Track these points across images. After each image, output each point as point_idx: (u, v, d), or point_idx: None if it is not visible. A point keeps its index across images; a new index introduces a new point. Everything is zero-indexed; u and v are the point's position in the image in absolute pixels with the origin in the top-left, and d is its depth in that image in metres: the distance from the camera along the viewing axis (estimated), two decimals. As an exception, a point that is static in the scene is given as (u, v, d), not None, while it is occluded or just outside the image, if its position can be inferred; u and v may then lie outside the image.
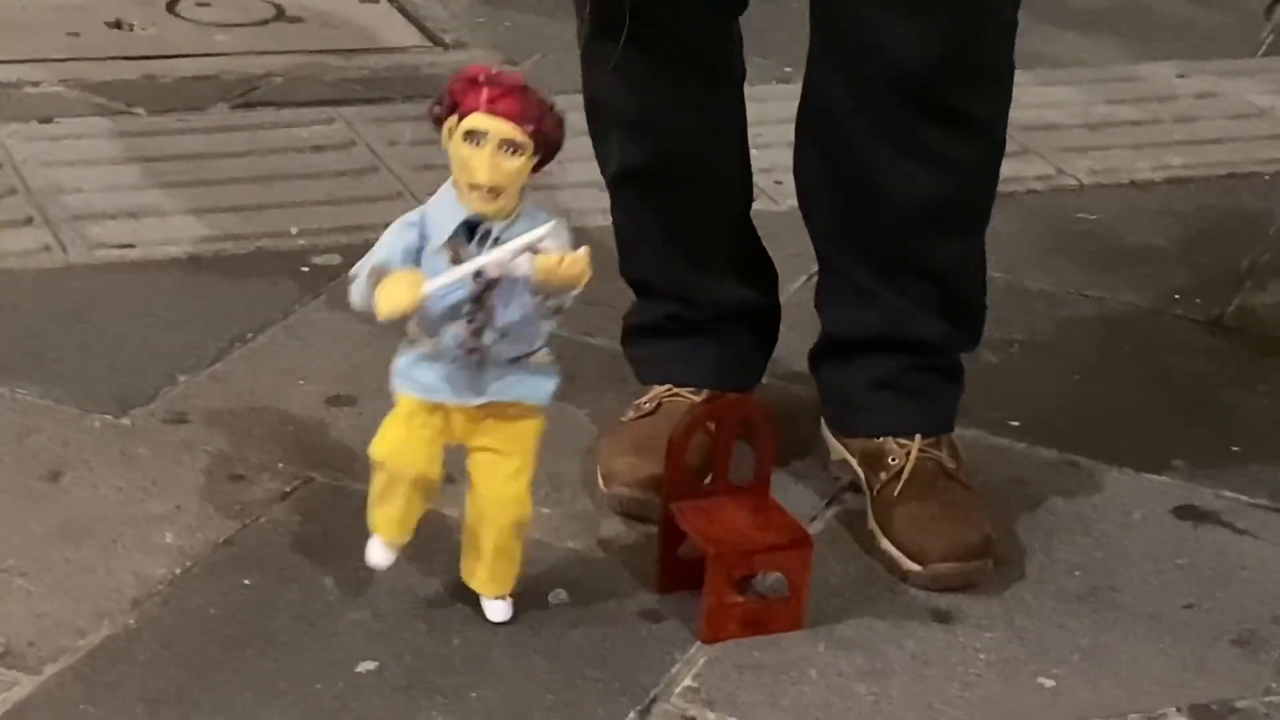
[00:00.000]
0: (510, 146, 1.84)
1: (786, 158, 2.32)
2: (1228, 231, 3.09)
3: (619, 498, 2.24)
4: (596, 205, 2.60)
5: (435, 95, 1.89)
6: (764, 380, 2.42)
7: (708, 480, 2.13)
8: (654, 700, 1.96)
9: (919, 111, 2.11)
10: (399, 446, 1.97)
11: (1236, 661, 2.08)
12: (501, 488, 1.99)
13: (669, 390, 2.32)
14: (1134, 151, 3.34)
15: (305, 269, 2.76)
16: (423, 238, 1.90)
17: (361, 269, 1.90)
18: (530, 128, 1.84)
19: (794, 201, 2.33)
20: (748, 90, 2.35)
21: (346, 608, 2.05)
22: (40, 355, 2.49)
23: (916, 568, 2.14)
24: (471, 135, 1.84)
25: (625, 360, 2.42)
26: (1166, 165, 3.30)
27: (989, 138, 2.19)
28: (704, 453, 2.14)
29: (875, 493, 2.22)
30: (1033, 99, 3.47)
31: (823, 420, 2.34)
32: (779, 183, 2.82)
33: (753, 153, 2.39)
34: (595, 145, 2.31)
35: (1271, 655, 2.09)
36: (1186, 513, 2.33)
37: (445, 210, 1.89)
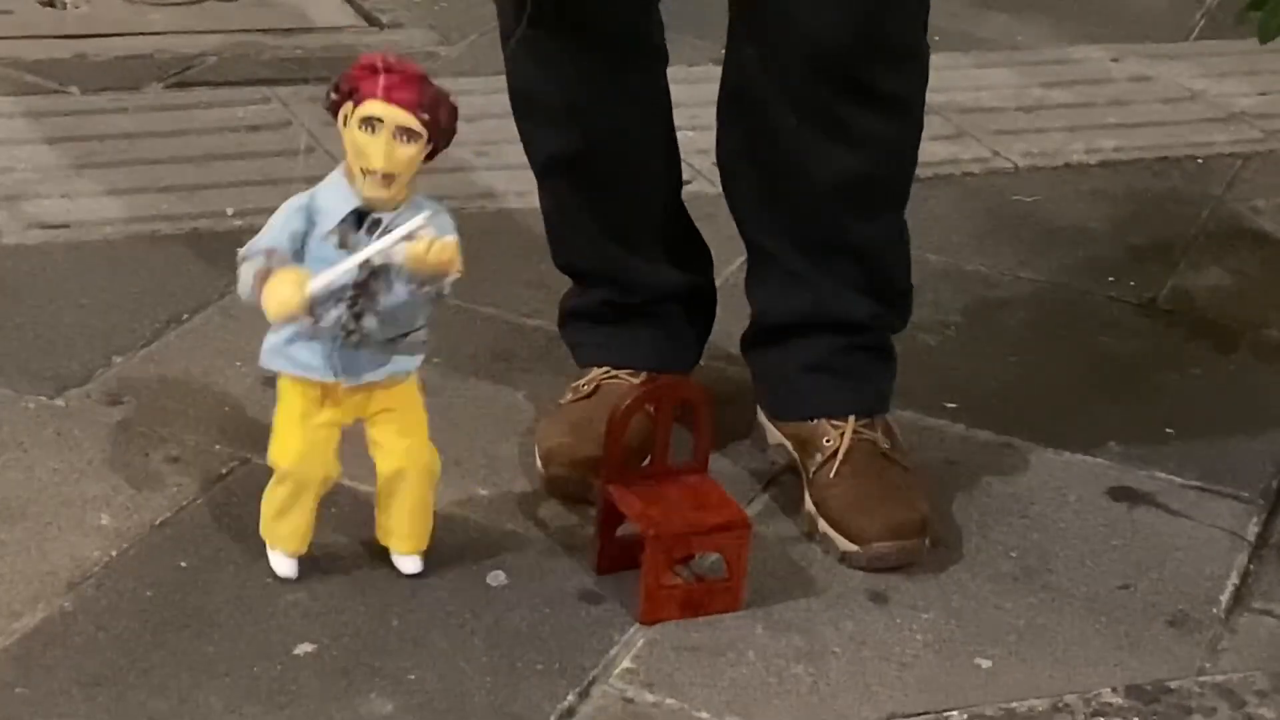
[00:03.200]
0: (405, 134, 1.86)
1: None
2: (1161, 214, 3.11)
3: (557, 479, 2.24)
4: (522, 188, 2.61)
5: (332, 82, 1.89)
6: (701, 362, 2.43)
7: (646, 462, 2.13)
8: (593, 682, 1.97)
9: (836, 90, 2.12)
10: (303, 451, 1.99)
11: (1171, 642, 2.09)
12: (410, 440, 2.02)
13: (607, 372, 2.32)
14: (1068, 134, 3.36)
15: (241, 250, 2.73)
16: (310, 222, 1.91)
17: (249, 251, 1.91)
18: (426, 116, 1.87)
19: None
20: (684, 72, 2.35)
21: (284, 589, 2.04)
22: (-27, 336, 2.48)
23: (854, 548, 2.15)
24: (368, 122, 1.86)
25: (562, 343, 2.42)
26: (1100, 148, 3.32)
27: (907, 116, 2.20)
28: (642, 435, 2.14)
29: (811, 475, 2.22)
30: (967, 81, 3.50)
31: (758, 405, 2.35)
32: (715, 164, 2.82)
33: (689, 134, 2.39)
34: (521, 134, 2.31)
35: (1205, 635, 2.11)
36: (1121, 494, 2.34)
37: (336, 196, 1.91)
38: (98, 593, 2.02)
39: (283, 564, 2.05)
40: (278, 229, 1.92)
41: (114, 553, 2.09)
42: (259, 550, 2.09)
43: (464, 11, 3.63)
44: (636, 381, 2.28)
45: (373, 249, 1.87)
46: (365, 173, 1.87)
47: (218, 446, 2.28)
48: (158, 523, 2.14)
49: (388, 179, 1.87)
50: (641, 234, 2.32)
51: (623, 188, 2.28)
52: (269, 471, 2.20)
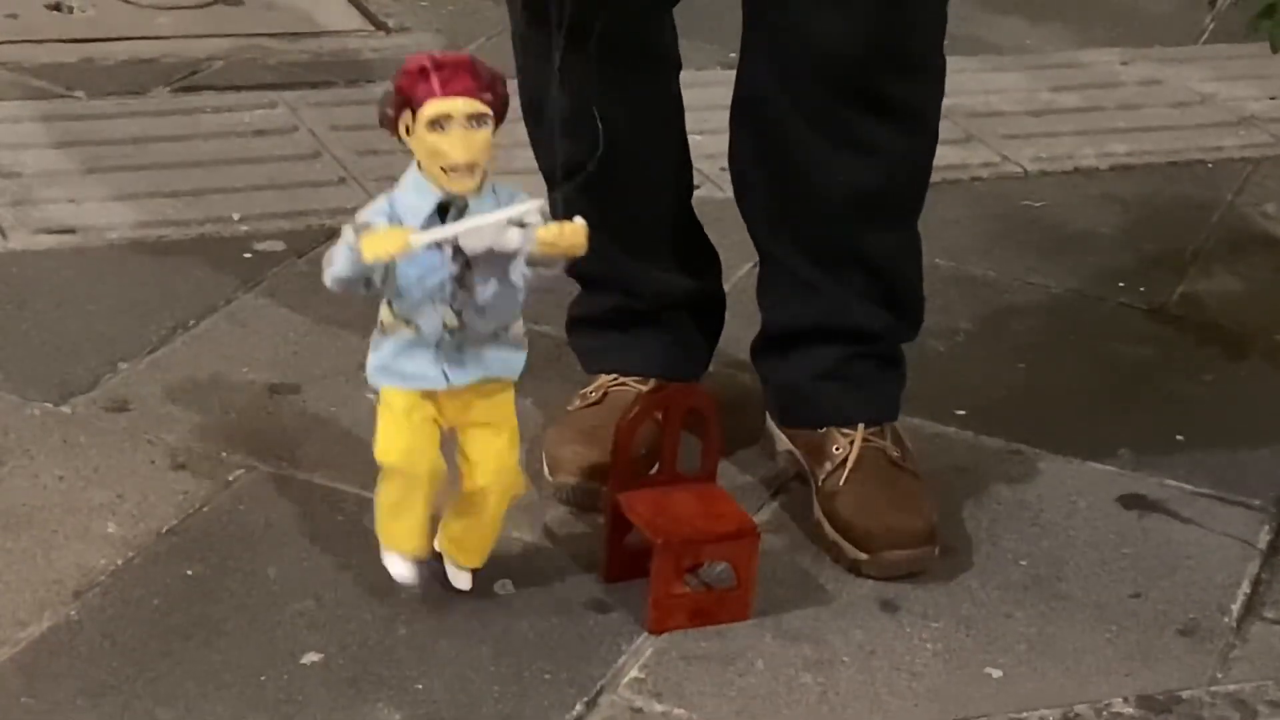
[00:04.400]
0: (476, 120, 1.85)
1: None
2: (1171, 218, 3.10)
3: (565, 487, 2.23)
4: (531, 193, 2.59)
5: (381, 100, 1.87)
6: (710, 369, 2.42)
7: (654, 470, 2.12)
8: (601, 691, 1.96)
9: (849, 101, 2.11)
10: (408, 445, 1.96)
11: (1182, 651, 2.08)
12: (501, 460, 1.99)
13: (615, 380, 2.31)
14: (1078, 138, 3.35)
15: (248, 255, 2.73)
16: (389, 225, 1.88)
17: (347, 237, 1.87)
18: (488, 96, 1.86)
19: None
20: (693, 76, 2.34)
21: (291, 598, 2.03)
22: (-21, 342, 2.47)
23: (863, 556, 2.14)
24: (436, 122, 1.84)
25: (570, 350, 2.41)
26: (1110, 152, 3.31)
27: (921, 128, 2.19)
28: (650, 442, 2.13)
29: (820, 483, 2.21)
30: (977, 85, 3.48)
31: (767, 413, 2.34)
32: (724, 169, 2.80)
33: (698, 139, 2.38)
34: (533, 142, 2.29)
35: (1217, 645, 2.10)
36: (1132, 501, 2.33)
37: (416, 196, 1.88)
38: (104, 601, 2.02)
39: (398, 567, 2.01)
40: (343, 240, 1.89)
41: (120, 561, 2.08)
42: (266, 558, 2.08)
43: (471, 15, 3.62)
44: (645, 389, 2.27)
45: (473, 222, 1.85)
46: (448, 171, 1.85)
47: (224, 454, 2.27)
48: (164, 530, 2.13)
49: (471, 168, 1.85)
50: (651, 241, 2.31)
51: (634, 195, 2.27)
52: (276, 479, 2.21)
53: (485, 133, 1.86)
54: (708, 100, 2.43)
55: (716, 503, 2.09)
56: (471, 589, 2.05)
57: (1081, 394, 2.57)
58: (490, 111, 1.85)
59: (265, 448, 2.28)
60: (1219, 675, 2.05)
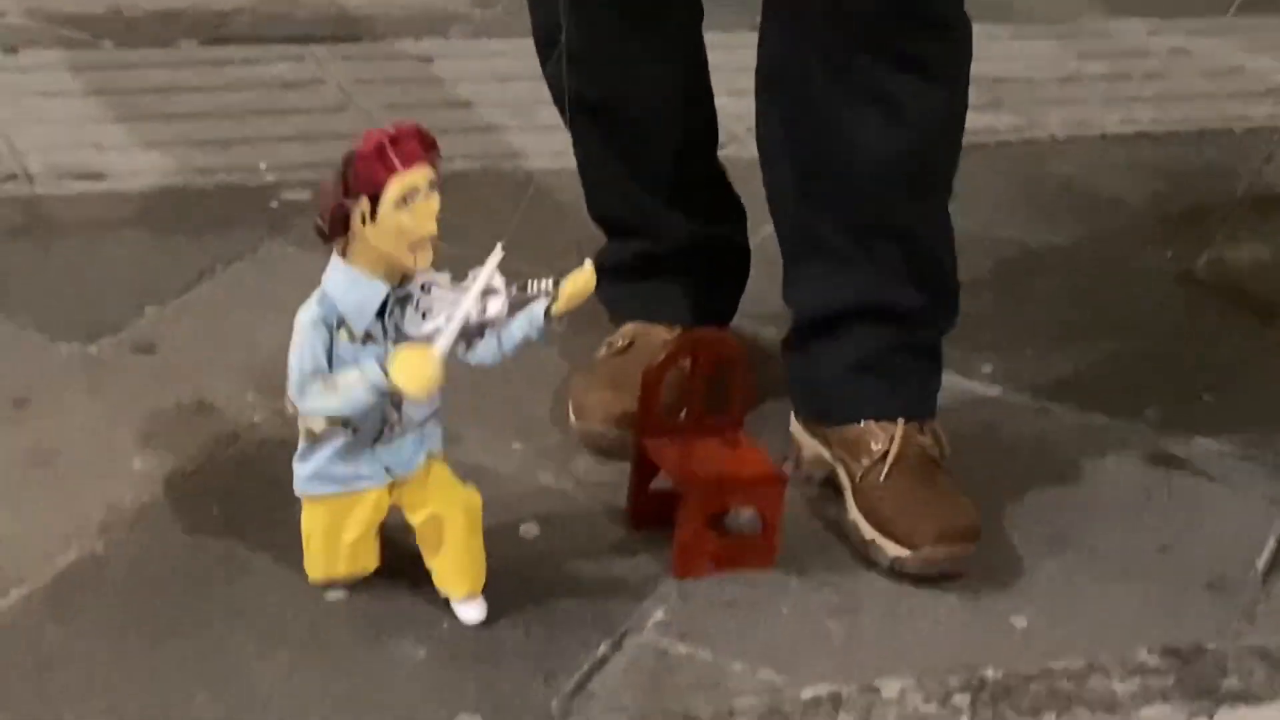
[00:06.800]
0: (433, 185, 1.80)
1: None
2: (1198, 186, 3.09)
3: (591, 433, 2.22)
4: (555, 149, 2.59)
5: (321, 205, 1.81)
6: (734, 322, 2.41)
7: (681, 416, 2.11)
8: (626, 633, 1.95)
9: (875, 59, 2.06)
10: (348, 566, 1.94)
11: (1208, 605, 2.08)
12: (444, 496, 1.92)
13: (641, 327, 2.31)
14: (1105, 106, 3.34)
15: (274, 204, 2.74)
16: (330, 333, 1.83)
17: (300, 389, 1.83)
18: (436, 157, 1.81)
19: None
20: (719, 38, 2.33)
21: (316, 538, 2.03)
22: (3, 283, 2.47)
23: (905, 552, 2.06)
24: (403, 199, 1.78)
25: (596, 300, 2.40)
26: (1137, 120, 3.30)
27: (950, 90, 2.14)
28: (677, 390, 2.12)
29: (857, 480, 2.13)
30: (1005, 52, 3.48)
31: (793, 416, 2.26)
32: (750, 130, 2.80)
33: (724, 100, 2.37)
34: (547, 79, 2.27)
35: (1242, 599, 2.09)
36: (1159, 459, 2.33)
37: (359, 293, 1.82)
38: (130, 537, 2.02)
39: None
40: (308, 355, 1.82)
41: (146, 498, 2.08)
42: (292, 498, 2.06)
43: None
44: (671, 337, 2.26)
45: (468, 303, 1.81)
46: (415, 247, 1.80)
47: (250, 396, 2.27)
48: (191, 470, 2.13)
49: (432, 240, 1.81)
50: (674, 185, 2.29)
51: (653, 138, 2.25)
52: (302, 421, 2.21)
53: (437, 198, 1.80)
54: (733, 62, 2.40)
55: (743, 449, 2.09)
56: (493, 532, 2.02)
57: (1108, 353, 2.56)
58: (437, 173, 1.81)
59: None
60: (1245, 629, 2.04)
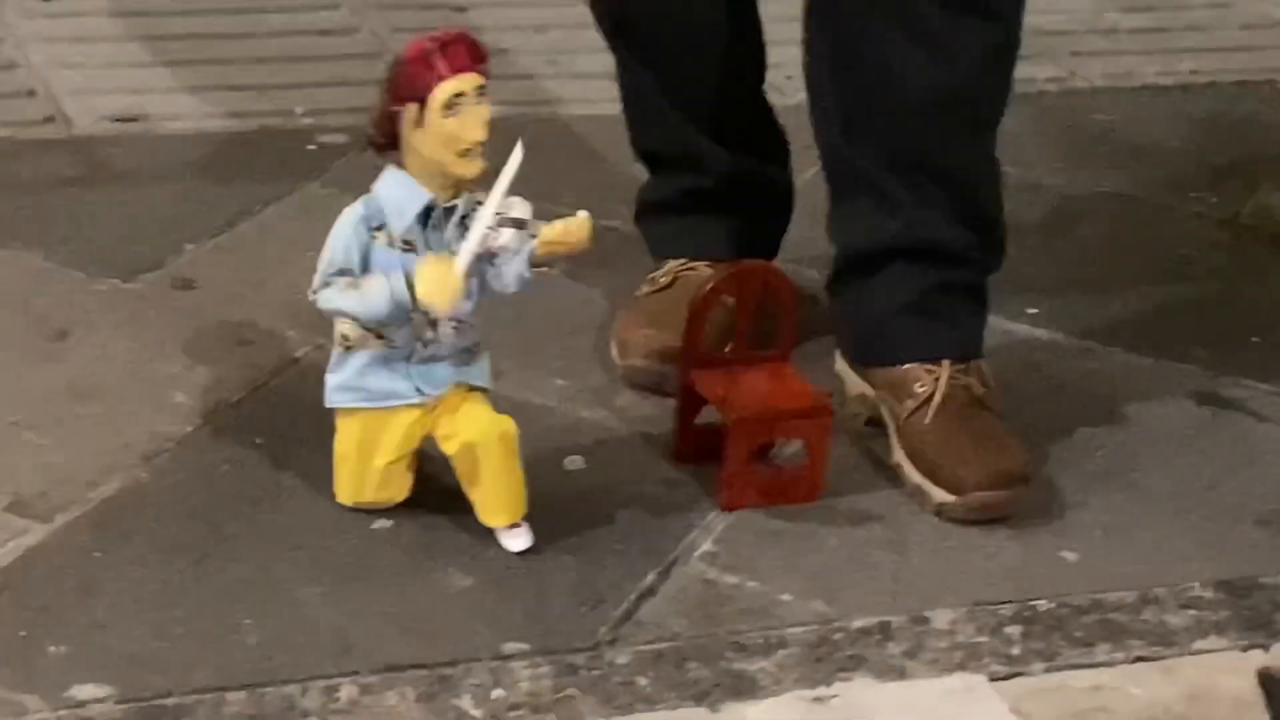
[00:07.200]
0: (482, 92, 1.79)
1: (796, 54, 2.28)
2: (1241, 135, 3.06)
3: (635, 369, 2.21)
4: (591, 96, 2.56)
5: (372, 114, 1.81)
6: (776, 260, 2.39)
7: (727, 350, 2.09)
8: (674, 563, 1.94)
9: None
10: (376, 491, 1.94)
11: (1260, 540, 2.05)
12: (473, 418, 1.90)
13: (684, 264, 2.29)
14: (1146, 57, 3.30)
15: (311, 147, 2.72)
16: (369, 234, 1.83)
17: (326, 275, 1.84)
18: (486, 67, 1.80)
19: (804, 96, 2.27)
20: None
21: (360, 469, 2.02)
22: (44, 221, 2.46)
23: (950, 498, 2.04)
24: (451, 105, 1.78)
25: (638, 239, 2.38)
26: (1178, 70, 3.26)
27: (1002, 29, 2.12)
28: (721, 327, 2.10)
29: (901, 422, 2.11)
30: (1043, 4, 3.42)
31: (837, 354, 2.23)
32: (789, 77, 2.77)
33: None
34: (590, 3, 2.26)
35: (1295, 535, 2.08)
36: (1207, 399, 2.30)
37: (403, 196, 1.82)
38: (173, 465, 2.01)
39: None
40: (341, 251, 1.83)
41: (189, 429, 2.07)
42: (333, 429, 2.06)
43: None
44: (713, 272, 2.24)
45: (482, 221, 1.80)
46: (464, 154, 1.79)
47: (290, 332, 2.26)
48: (233, 401, 2.12)
49: (482, 146, 1.80)
50: (718, 117, 2.27)
51: (698, 66, 2.23)
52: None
53: (488, 106, 1.80)
54: (770, 13, 2.37)
55: (790, 381, 2.07)
56: (537, 464, 1.99)
57: (1154, 296, 2.53)
58: (487, 81, 1.80)
59: (330, 327, 2.25)
60: (1298, 564, 2.03)
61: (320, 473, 1.99)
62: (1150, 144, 3.00)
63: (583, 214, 1.85)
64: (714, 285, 2.05)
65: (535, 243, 1.84)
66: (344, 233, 1.83)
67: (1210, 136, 3.04)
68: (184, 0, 3.14)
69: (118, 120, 2.73)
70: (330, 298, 1.84)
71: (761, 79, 2.34)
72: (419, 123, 1.78)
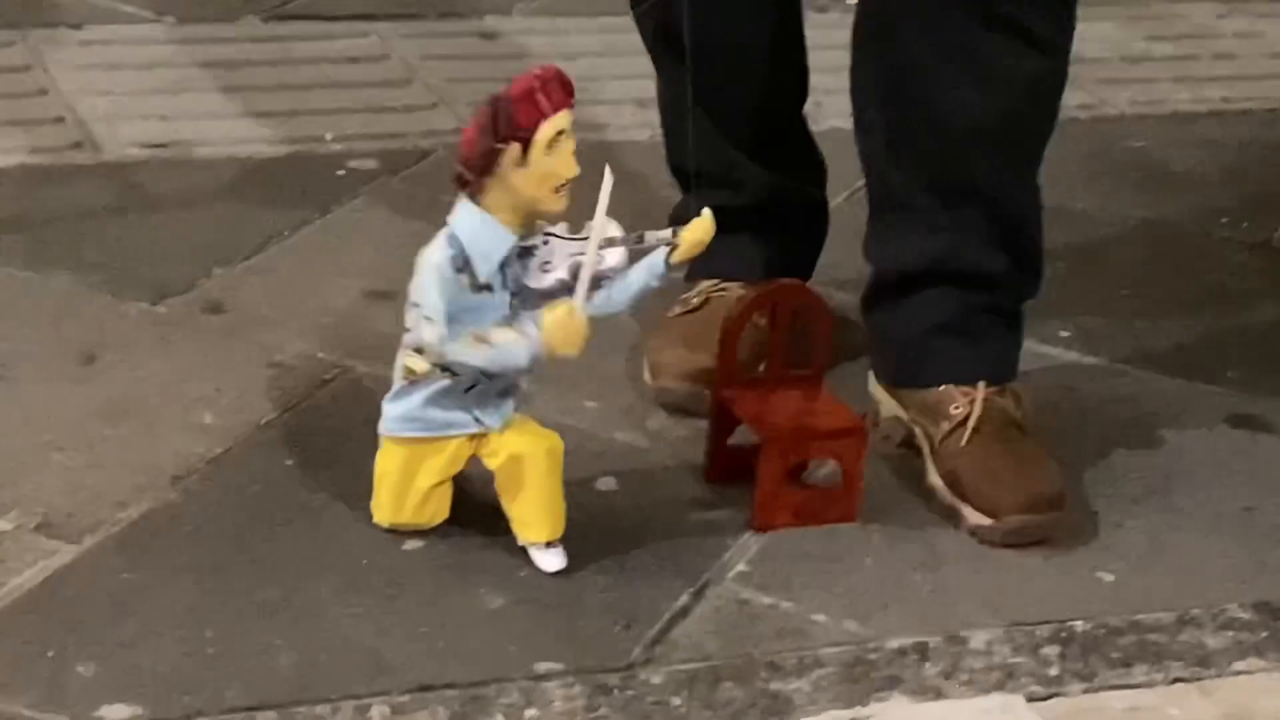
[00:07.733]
0: (574, 128, 1.81)
1: (826, 81, 2.29)
2: (1272, 162, 3.05)
3: (667, 391, 2.20)
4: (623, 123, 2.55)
5: (466, 150, 1.79)
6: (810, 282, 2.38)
7: (761, 369, 2.08)
8: (707, 584, 1.92)
9: (978, 22, 2.03)
10: (415, 513, 1.93)
11: (1297, 563, 2.04)
12: (525, 439, 1.90)
13: (716, 285, 2.28)
14: (1175, 85, 3.30)
15: (341, 172, 2.72)
16: (455, 275, 1.82)
17: (442, 327, 1.81)
18: (574, 101, 1.81)
19: (834, 122, 2.27)
20: (811, 17, 2.30)
21: (391, 490, 2.01)
22: (74, 245, 2.46)
23: (987, 521, 2.02)
24: (553, 143, 1.78)
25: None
26: (1208, 99, 3.26)
27: (1051, 57, 2.09)
28: (754, 348, 2.10)
29: (937, 444, 2.09)
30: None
31: (871, 376, 2.22)
32: (818, 104, 2.78)
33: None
34: (636, 19, 2.27)
35: (1333, 558, 2.06)
36: (1241, 421, 2.29)
37: (488, 239, 1.81)
38: (203, 487, 1.99)
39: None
40: (443, 299, 1.80)
41: (219, 450, 2.06)
42: (365, 451, 2.04)
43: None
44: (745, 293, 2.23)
45: (591, 254, 1.81)
46: (558, 190, 1.80)
47: (320, 354, 2.25)
48: (262, 423, 2.11)
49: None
50: (758, 135, 2.27)
51: (741, 83, 2.23)
52: (373, 379, 2.19)
53: (574, 140, 1.81)
54: (820, 40, 2.36)
55: (824, 401, 2.06)
56: (570, 485, 1.97)
57: (1187, 320, 2.52)
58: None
59: (361, 350, 2.26)
60: (1337, 587, 2.01)
61: (352, 493, 1.98)
62: (1180, 170, 2.99)
63: (707, 212, 1.85)
64: (748, 304, 2.04)
65: (681, 246, 1.85)
66: (436, 279, 1.80)
67: (1240, 163, 3.04)
68: (213, 27, 3.15)
69: (144, 146, 2.73)
70: (460, 352, 1.82)
71: (803, 100, 2.33)
72: (522, 161, 1.77)
